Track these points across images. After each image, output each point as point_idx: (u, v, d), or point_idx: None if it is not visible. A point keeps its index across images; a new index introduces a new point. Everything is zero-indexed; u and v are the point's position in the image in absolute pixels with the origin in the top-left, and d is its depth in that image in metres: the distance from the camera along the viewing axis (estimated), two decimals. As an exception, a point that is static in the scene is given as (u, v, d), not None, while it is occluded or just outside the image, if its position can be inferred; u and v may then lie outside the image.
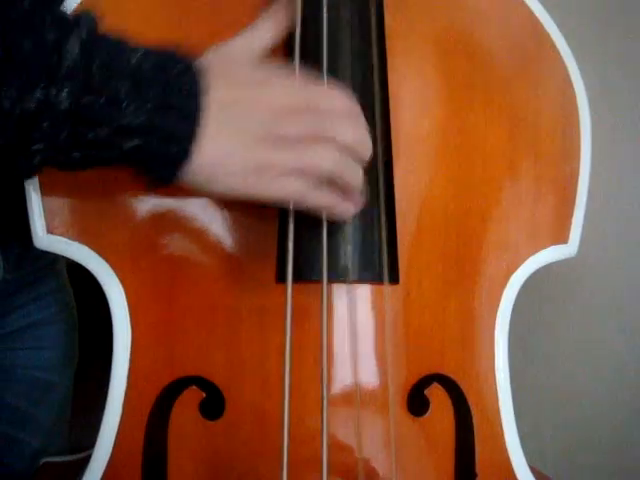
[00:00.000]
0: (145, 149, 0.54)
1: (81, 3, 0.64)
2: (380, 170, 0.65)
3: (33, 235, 0.65)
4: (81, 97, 0.51)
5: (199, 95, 0.54)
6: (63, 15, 0.53)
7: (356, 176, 0.61)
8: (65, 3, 0.63)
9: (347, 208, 0.62)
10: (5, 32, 0.50)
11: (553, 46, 0.74)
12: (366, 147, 0.61)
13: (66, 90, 0.50)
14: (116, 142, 0.53)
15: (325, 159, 0.58)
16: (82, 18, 0.53)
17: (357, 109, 0.61)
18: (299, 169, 0.58)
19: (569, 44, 0.74)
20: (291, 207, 0.61)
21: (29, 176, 0.56)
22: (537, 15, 0.74)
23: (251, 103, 0.57)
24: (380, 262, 0.64)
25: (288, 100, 0.58)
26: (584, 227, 0.73)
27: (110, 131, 0.52)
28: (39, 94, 0.50)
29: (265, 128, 0.56)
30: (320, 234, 0.62)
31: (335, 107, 0.59)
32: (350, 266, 0.63)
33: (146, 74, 0.53)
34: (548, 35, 0.74)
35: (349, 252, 0.63)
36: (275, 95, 0.57)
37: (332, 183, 0.59)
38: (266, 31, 0.63)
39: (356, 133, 0.60)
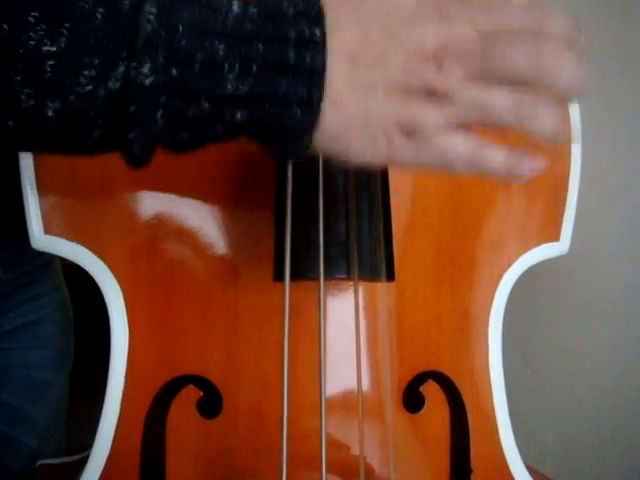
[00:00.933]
0: (260, 120, 0.44)
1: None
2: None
3: (30, 235, 0.65)
4: (168, 69, 0.42)
5: (321, 46, 0.43)
6: None
7: (544, 116, 0.46)
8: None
9: (533, 165, 0.47)
10: (73, 3, 0.42)
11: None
12: (556, 74, 0.45)
13: (147, 64, 0.42)
14: (224, 116, 0.44)
15: (495, 104, 0.45)
16: None
17: (535, 19, 0.46)
18: (459, 123, 0.45)
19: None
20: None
21: (139, 165, 0.46)
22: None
23: (388, 47, 0.44)
24: (376, 259, 0.65)
25: (436, 38, 0.44)
26: (577, 225, 0.74)
27: (213, 104, 0.43)
28: (121, 70, 0.42)
29: (408, 77, 0.44)
30: (317, 232, 0.62)
31: (502, 27, 0.46)
32: (346, 263, 0.64)
33: (249, 26, 0.43)
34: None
35: (345, 249, 0.64)
36: (418, 33, 0.44)
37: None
38: None
39: (534, 59, 0.45)
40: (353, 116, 0.45)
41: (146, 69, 0.42)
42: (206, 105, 0.43)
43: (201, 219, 0.67)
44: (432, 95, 0.45)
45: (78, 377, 0.89)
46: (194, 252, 0.67)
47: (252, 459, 0.66)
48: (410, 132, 0.45)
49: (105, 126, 0.44)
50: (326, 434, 0.61)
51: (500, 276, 0.72)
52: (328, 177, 0.62)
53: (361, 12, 0.45)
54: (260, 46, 0.43)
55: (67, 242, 0.65)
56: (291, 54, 0.43)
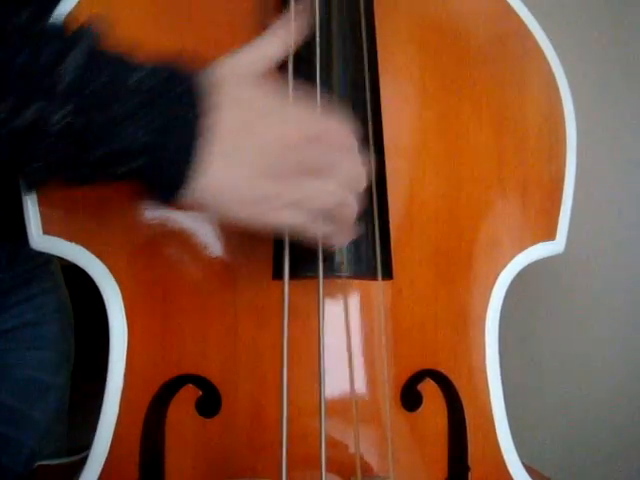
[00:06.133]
0: (144, 171, 0.52)
1: (77, 6, 0.64)
2: (373, 168, 0.65)
3: (29, 235, 0.65)
4: (77, 119, 0.49)
5: (202, 118, 0.51)
6: (63, 31, 0.51)
7: (352, 209, 0.60)
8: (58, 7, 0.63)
9: (342, 239, 0.62)
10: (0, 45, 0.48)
11: (537, 45, 0.75)
12: (362, 182, 0.60)
13: (61, 112, 0.48)
14: (115, 163, 0.51)
15: (326, 194, 0.57)
16: (84, 34, 0.51)
17: (355, 143, 0.59)
18: (300, 202, 0.56)
19: (568, 43, 0.74)
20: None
21: (33, 189, 0.56)
22: (520, 15, 0.75)
23: (260, 133, 0.54)
24: (374, 258, 0.65)
25: (297, 134, 0.55)
26: (578, 225, 0.74)
27: (108, 153, 0.50)
28: (33, 112, 0.48)
29: (271, 161, 0.54)
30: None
31: (339, 142, 0.58)
32: (345, 262, 0.64)
33: (147, 95, 0.51)
34: (532, 35, 0.75)
35: (344, 248, 0.64)
36: (285, 127, 0.55)
37: (329, 215, 0.59)
38: (271, 47, 0.60)
39: (355, 169, 0.59)
40: (225, 182, 0.53)
41: (58, 117, 0.48)
42: (101, 152, 0.50)
43: (199, 219, 0.67)
44: (282, 178, 0.55)
45: (78, 377, 0.89)
46: (193, 252, 0.67)
47: (250, 458, 0.67)
48: (263, 202, 0.55)
49: (5, 152, 0.50)
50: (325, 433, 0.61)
51: (497, 275, 0.73)
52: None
53: (239, 98, 0.54)
54: (154, 112, 0.50)
55: (66, 242, 0.65)
56: (178, 124, 0.51)
